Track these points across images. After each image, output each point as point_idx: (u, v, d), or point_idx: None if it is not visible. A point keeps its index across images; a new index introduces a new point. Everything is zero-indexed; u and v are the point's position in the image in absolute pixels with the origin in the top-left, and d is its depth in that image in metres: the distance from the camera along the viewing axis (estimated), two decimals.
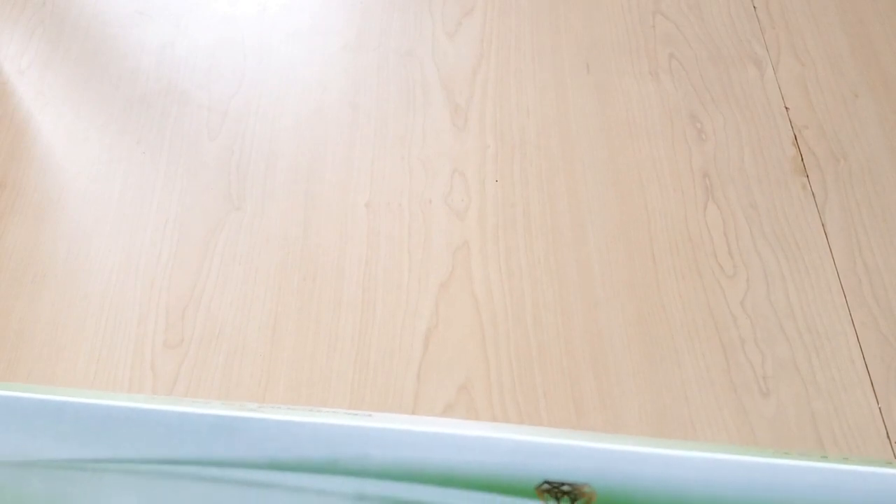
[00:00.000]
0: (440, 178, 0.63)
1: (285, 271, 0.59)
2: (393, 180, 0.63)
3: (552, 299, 0.58)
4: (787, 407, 0.52)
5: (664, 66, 0.70)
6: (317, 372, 0.54)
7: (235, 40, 0.72)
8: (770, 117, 0.66)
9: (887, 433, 0.51)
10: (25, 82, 0.69)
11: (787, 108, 0.67)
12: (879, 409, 0.52)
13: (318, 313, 0.57)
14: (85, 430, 0.23)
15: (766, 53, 0.70)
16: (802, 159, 0.64)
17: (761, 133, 0.65)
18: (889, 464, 0.22)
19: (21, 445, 0.23)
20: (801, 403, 0.53)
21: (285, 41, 0.72)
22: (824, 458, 0.22)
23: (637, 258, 0.59)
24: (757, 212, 0.61)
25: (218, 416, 0.23)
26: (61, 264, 0.59)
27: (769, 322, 0.57)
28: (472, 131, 0.65)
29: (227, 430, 0.23)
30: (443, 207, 0.62)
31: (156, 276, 0.59)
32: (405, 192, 0.62)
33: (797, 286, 0.58)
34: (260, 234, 0.61)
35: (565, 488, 0.22)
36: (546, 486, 0.22)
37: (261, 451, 0.23)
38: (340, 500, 0.22)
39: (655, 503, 0.22)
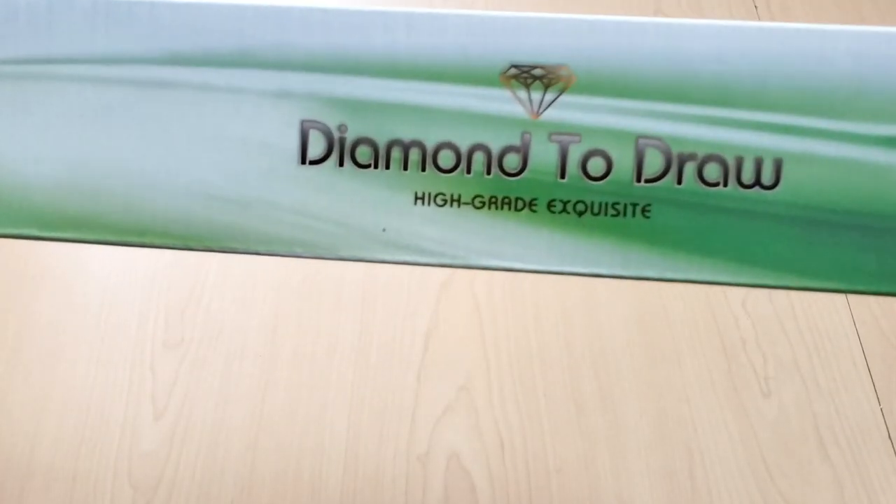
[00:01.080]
0: None
1: (285, 271, 0.59)
2: None
3: (553, 299, 0.57)
4: (788, 408, 0.52)
5: None
6: (317, 372, 0.54)
7: None
8: None
9: (889, 434, 0.51)
10: None
11: None
12: (881, 409, 0.52)
13: (318, 313, 0.57)
14: None
15: None
16: None
17: None
18: None
19: None
20: (803, 404, 0.52)
21: None
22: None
23: None
24: None
25: (96, 1, 0.18)
26: (60, 264, 0.59)
27: (771, 323, 0.56)
28: None
29: (110, 17, 0.18)
30: None
31: (155, 275, 0.58)
32: None
33: None
34: None
35: (537, 72, 0.17)
36: (513, 72, 0.17)
37: (154, 42, 0.18)
38: (258, 99, 0.18)
39: (648, 87, 0.17)
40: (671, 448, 0.51)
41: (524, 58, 0.17)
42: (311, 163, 0.18)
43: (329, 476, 0.50)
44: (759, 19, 0.73)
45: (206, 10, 0.18)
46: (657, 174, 0.18)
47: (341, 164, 0.18)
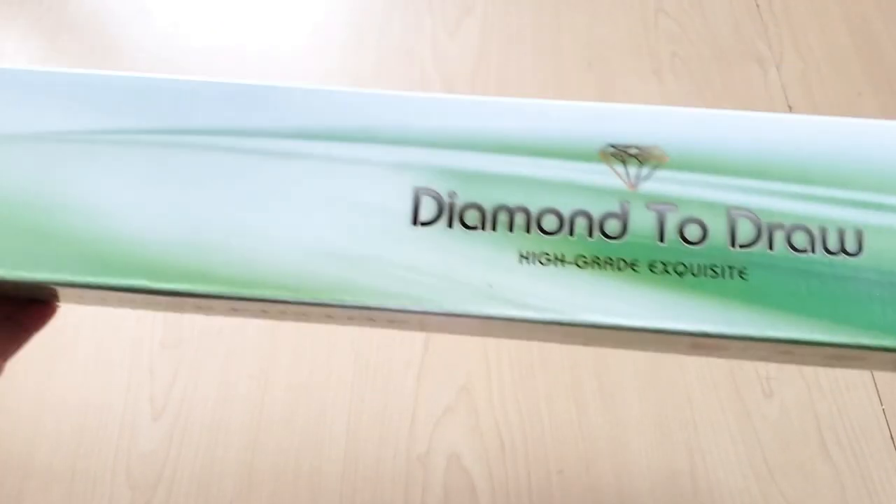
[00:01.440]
0: None
1: None
2: None
3: None
4: (790, 408, 0.52)
5: (667, 64, 0.69)
6: (316, 372, 0.54)
7: (234, 41, 0.72)
8: None
9: (891, 435, 0.51)
10: None
11: (790, 106, 0.66)
12: (883, 410, 0.52)
13: None
14: (78, 97, 0.21)
15: (769, 52, 0.70)
16: None
17: None
18: None
19: (3, 116, 0.20)
20: (805, 405, 0.52)
21: (284, 40, 0.72)
22: None
23: None
24: None
25: (234, 84, 0.21)
26: None
27: None
28: None
29: (245, 98, 0.21)
30: None
31: None
32: None
33: None
34: None
35: (632, 151, 0.20)
36: (611, 150, 0.20)
37: (284, 119, 0.20)
38: (376, 169, 0.20)
39: (735, 166, 0.20)
40: (672, 449, 0.50)
41: (620, 139, 0.20)
42: (422, 224, 0.20)
43: (329, 476, 0.50)
44: (762, 18, 0.72)
45: (333, 95, 0.20)
46: (750, 241, 0.19)
47: (450, 226, 0.20)
